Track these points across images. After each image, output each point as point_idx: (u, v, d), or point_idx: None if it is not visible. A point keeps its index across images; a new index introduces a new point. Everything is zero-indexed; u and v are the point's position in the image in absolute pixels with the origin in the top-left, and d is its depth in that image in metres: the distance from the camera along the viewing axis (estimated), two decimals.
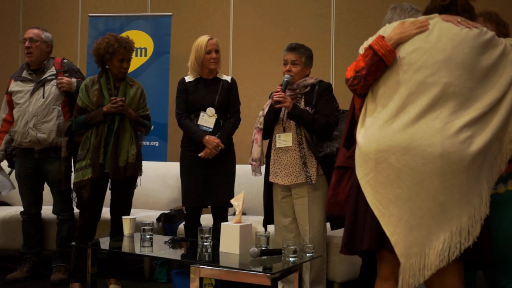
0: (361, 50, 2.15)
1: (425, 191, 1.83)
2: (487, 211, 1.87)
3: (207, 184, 3.47)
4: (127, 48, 3.52)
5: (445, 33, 1.97)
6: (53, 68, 3.87)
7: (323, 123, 3.08)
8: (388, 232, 1.86)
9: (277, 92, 3.13)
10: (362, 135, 2.02)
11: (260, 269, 2.44)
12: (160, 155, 4.83)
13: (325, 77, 4.67)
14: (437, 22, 2.02)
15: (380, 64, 1.99)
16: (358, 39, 4.76)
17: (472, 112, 1.89)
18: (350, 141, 2.46)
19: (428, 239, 1.81)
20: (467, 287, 2.11)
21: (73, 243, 3.42)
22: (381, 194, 1.89)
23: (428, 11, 2.16)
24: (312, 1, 4.99)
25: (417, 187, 1.83)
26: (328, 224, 3.19)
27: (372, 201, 1.91)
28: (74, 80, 3.77)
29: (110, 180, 3.54)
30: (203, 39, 3.55)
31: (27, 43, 3.79)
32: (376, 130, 1.95)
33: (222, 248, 2.78)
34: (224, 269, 2.50)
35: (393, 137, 1.89)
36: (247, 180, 4.14)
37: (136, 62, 4.91)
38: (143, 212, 4.23)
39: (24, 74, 3.86)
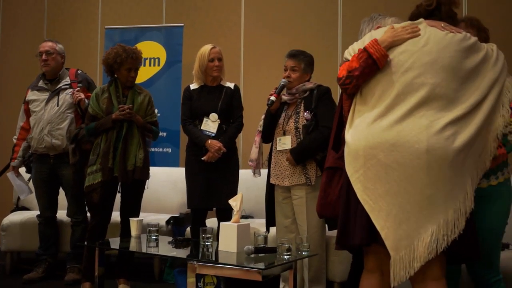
0: (347, 55, 2.23)
1: (413, 186, 1.90)
2: (472, 205, 1.94)
3: (211, 187, 3.59)
4: (134, 58, 3.68)
5: (431, 37, 2.05)
6: (68, 78, 4.07)
7: (322, 140, 3.11)
8: (378, 226, 1.93)
9: (271, 94, 3.23)
10: (350, 133, 2.09)
11: (251, 265, 2.52)
12: (172, 161, 4.96)
13: (333, 84, 4.73)
14: (424, 27, 2.10)
15: (373, 67, 2.07)
16: None
17: (457, 111, 1.96)
18: (338, 143, 2.53)
19: (417, 232, 1.88)
20: (450, 281, 2.16)
21: (84, 244, 3.57)
22: (371, 190, 1.96)
23: (413, 16, 2.24)
24: (319, 9, 5.09)
25: (405, 182, 1.90)
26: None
27: (362, 196, 1.98)
28: (86, 101, 3.93)
29: (119, 183, 3.69)
30: (206, 48, 3.69)
31: (44, 56, 4.00)
32: (365, 128, 2.02)
33: (221, 247, 2.87)
34: (218, 265, 2.59)
35: (381, 135, 1.97)
36: (253, 184, 4.23)
37: (149, 71, 5.10)
38: (154, 215, 4.37)
39: (40, 83, 4.07)
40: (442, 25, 2.10)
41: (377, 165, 1.96)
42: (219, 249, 2.88)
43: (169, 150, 5.04)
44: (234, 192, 3.63)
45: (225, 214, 3.64)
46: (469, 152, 1.96)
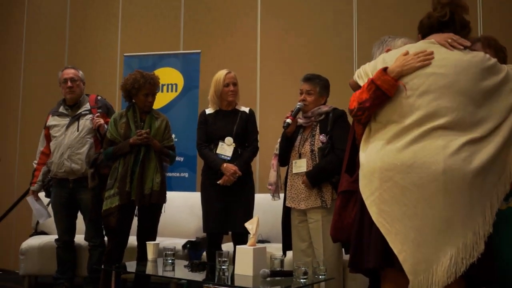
0: (356, 77, 2.25)
1: (431, 208, 1.87)
2: (490, 229, 1.90)
3: (227, 210, 3.60)
4: (152, 83, 3.75)
5: (448, 59, 2.03)
6: (88, 104, 4.16)
7: (338, 163, 3.06)
8: (395, 250, 1.90)
9: (287, 117, 3.26)
10: (365, 155, 2.08)
11: None
12: (189, 186, 4.99)
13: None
14: (438, 47, 2.09)
15: (383, 97, 2.07)
16: None
17: (474, 133, 1.94)
18: (352, 167, 2.53)
19: (436, 255, 1.84)
20: None
21: (99, 267, 3.58)
22: (387, 213, 1.93)
23: (424, 27, 2.21)
24: (335, 34, 5.14)
25: (423, 204, 1.88)
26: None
27: (378, 219, 1.95)
28: (106, 126, 3.99)
29: (136, 207, 3.72)
30: (221, 73, 3.76)
31: (69, 83, 4.10)
32: (379, 150, 2.01)
33: (237, 270, 2.87)
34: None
35: (396, 156, 1.95)
36: (270, 209, 4.22)
37: (167, 97, 5.17)
38: (171, 240, 4.37)
39: (61, 109, 4.16)
40: (449, 40, 2.08)
41: (394, 187, 1.93)
42: (235, 272, 2.87)
43: (186, 174, 5.08)
44: (249, 216, 3.62)
45: (241, 238, 3.62)
46: (488, 174, 1.93)
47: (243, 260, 2.85)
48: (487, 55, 2.06)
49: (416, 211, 1.88)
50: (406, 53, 2.10)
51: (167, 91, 5.19)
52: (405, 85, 2.05)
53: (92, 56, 6.24)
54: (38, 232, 4.77)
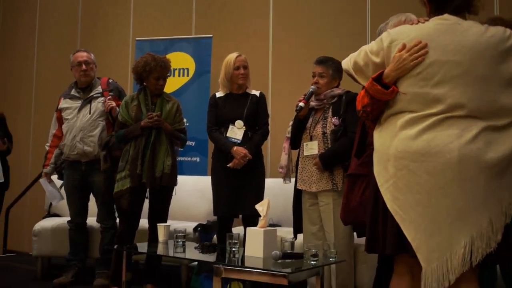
0: (345, 65, 2.22)
1: (445, 197, 1.84)
2: (508, 219, 1.85)
3: (237, 194, 3.60)
4: (163, 66, 3.74)
5: (463, 43, 1.92)
6: (99, 87, 4.17)
7: (351, 146, 3.05)
8: (409, 238, 1.88)
9: (300, 100, 3.24)
10: (379, 140, 2.04)
11: (279, 269, 2.51)
12: (200, 170, 5.00)
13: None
14: (452, 27, 1.97)
15: (381, 102, 2.03)
16: None
17: (492, 122, 1.88)
18: (361, 151, 2.52)
19: (449, 243, 1.82)
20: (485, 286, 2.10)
21: (110, 247, 3.62)
22: (401, 201, 1.90)
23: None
24: (348, 20, 5.09)
25: (437, 193, 1.85)
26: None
27: (392, 207, 1.93)
28: (117, 109, 3.99)
29: (148, 189, 3.74)
30: (231, 56, 3.74)
31: (83, 67, 4.11)
32: (393, 136, 1.97)
33: (248, 252, 2.87)
34: (244, 269, 2.59)
35: (410, 144, 1.91)
36: (280, 193, 4.23)
37: (178, 81, 5.17)
38: (182, 223, 4.40)
39: (73, 92, 4.17)
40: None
41: (408, 175, 1.90)
42: (245, 254, 2.88)
43: (198, 159, 5.09)
44: (260, 199, 3.60)
45: (251, 221, 3.62)
46: (510, 166, 1.87)
47: (254, 242, 2.85)
48: (508, 32, 1.94)
49: (430, 199, 1.85)
50: (403, 48, 1.99)
51: (179, 75, 5.19)
52: (417, 74, 1.96)
53: (105, 41, 6.26)
54: (51, 214, 4.82)
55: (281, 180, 4.32)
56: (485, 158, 1.83)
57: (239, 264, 2.72)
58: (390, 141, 1.97)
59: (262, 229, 2.86)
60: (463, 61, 1.90)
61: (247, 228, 2.96)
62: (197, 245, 3.38)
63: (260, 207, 2.96)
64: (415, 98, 1.95)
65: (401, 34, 2.03)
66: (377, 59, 2.07)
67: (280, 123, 4.60)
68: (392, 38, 2.04)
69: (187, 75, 5.22)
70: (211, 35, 5.27)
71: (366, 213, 2.12)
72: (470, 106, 1.87)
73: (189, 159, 5.08)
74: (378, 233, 2.00)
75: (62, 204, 4.46)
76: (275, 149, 4.84)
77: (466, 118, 1.88)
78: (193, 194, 4.71)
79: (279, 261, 2.66)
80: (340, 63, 3.40)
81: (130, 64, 6.09)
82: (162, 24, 5.94)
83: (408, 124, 1.94)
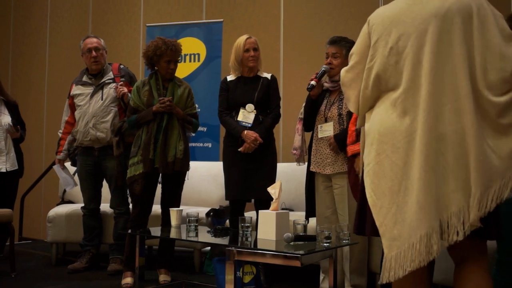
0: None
1: (412, 186, 1.83)
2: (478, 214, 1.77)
3: (249, 178, 3.58)
4: (174, 50, 3.71)
5: (428, 10, 1.92)
6: (111, 73, 4.16)
7: None
8: (377, 222, 1.90)
9: (311, 79, 3.20)
10: (368, 124, 2.04)
11: (292, 251, 2.49)
12: (212, 156, 4.99)
13: None
14: None
15: None
16: None
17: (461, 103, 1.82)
18: None
19: (408, 234, 1.81)
20: None
21: (125, 232, 3.63)
22: (376, 185, 1.92)
23: None
24: (360, 1, 5.02)
25: (406, 182, 1.84)
26: None
27: (368, 190, 1.95)
28: (129, 95, 3.97)
29: (160, 175, 3.73)
30: (241, 39, 3.71)
31: (93, 53, 4.09)
32: (378, 121, 1.97)
33: (260, 235, 2.86)
34: (256, 251, 2.58)
35: (392, 129, 1.90)
36: (293, 177, 4.23)
37: (189, 67, 5.15)
38: (194, 208, 4.40)
39: (84, 78, 4.17)
40: None
41: (385, 160, 1.90)
42: (258, 237, 2.86)
43: (210, 145, 5.08)
44: (271, 183, 3.57)
45: (263, 205, 3.60)
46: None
47: (266, 225, 2.83)
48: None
49: (400, 188, 1.85)
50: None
51: (190, 61, 5.17)
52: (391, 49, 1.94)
53: (116, 28, 6.26)
54: (65, 201, 4.85)
55: (293, 164, 4.29)
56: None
57: (252, 246, 2.69)
58: (375, 124, 1.98)
59: (275, 211, 2.84)
60: (428, 28, 1.88)
61: (260, 211, 2.94)
62: (209, 229, 3.38)
63: (272, 190, 2.93)
64: (393, 75, 1.94)
65: (377, 16, 2.04)
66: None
67: (291, 108, 4.56)
68: (371, 22, 2.05)
69: (198, 61, 5.19)
70: (221, 20, 5.23)
71: (357, 195, 2.17)
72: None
73: (201, 145, 5.07)
74: (363, 217, 2.02)
75: (76, 191, 4.48)
76: (287, 132, 4.81)
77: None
78: (206, 179, 4.71)
79: (292, 243, 2.64)
80: (354, 43, 3.35)
81: (141, 51, 6.09)
82: (172, 10, 5.92)
83: (390, 107, 1.94)
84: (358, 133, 2.57)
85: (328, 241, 2.63)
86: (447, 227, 1.79)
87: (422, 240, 1.78)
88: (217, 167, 4.82)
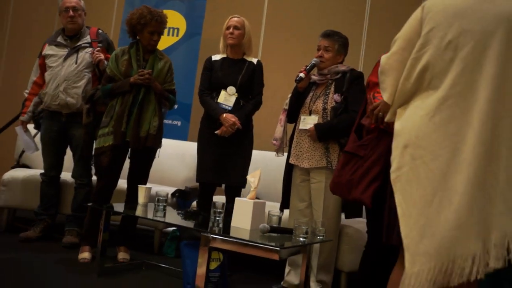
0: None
1: (449, 201, 1.69)
2: None
3: (222, 162, 3.49)
4: (159, 21, 3.56)
5: (500, 12, 1.80)
6: (88, 36, 3.95)
7: (351, 124, 2.84)
8: (402, 233, 1.76)
9: (301, 71, 3.14)
10: (401, 123, 1.88)
11: (271, 243, 2.43)
12: (181, 135, 4.87)
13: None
14: None
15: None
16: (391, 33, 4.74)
17: None
18: (361, 129, 2.49)
19: (437, 252, 1.67)
20: None
21: (89, 204, 3.47)
22: (407, 193, 1.78)
23: None
24: None
25: (442, 194, 1.71)
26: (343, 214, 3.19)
27: (398, 197, 1.81)
28: (106, 62, 3.79)
29: (129, 149, 3.59)
30: (228, 18, 3.62)
31: (71, 13, 3.86)
32: (417, 122, 1.82)
33: (234, 222, 2.79)
34: (235, 240, 2.51)
35: (433, 134, 1.76)
36: (264, 166, 4.15)
37: (167, 41, 4.98)
38: (158, 187, 4.27)
39: (59, 39, 3.93)
40: None
41: (421, 167, 1.76)
42: (232, 224, 2.79)
43: (179, 123, 4.95)
44: (245, 170, 3.54)
45: (234, 192, 3.55)
46: None
47: (242, 213, 2.77)
48: None
49: (434, 199, 1.71)
50: None
51: (168, 34, 4.99)
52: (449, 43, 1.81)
53: None
54: (20, 164, 4.60)
55: (264, 152, 4.27)
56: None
57: (228, 235, 2.62)
58: (412, 124, 1.83)
59: (252, 200, 2.78)
60: (496, 31, 1.75)
61: (236, 198, 2.87)
62: (180, 211, 3.28)
63: (252, 178, 2.87)
64: (443, 72, 1.79)
65: (436, 3, 1.87)
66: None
67: (267, 96, 4.48)
68: (427, 8, 1.89)
69: (177, 35, 5.03)
70: None
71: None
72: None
73: (170, 122, 4.93)
74: (394, 224, 1.87)
75: (34, 155, 4.26)
76: (262, 122, 4.74)
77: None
78: (172, 158, 4.58)
79: (266, 234, 2.59)
80: (347, 39, 3.32)
81: (115, 19, 5.85)
82: None
83: (433, 109, 1.78)
84: (367, 129, 2.48)
85: (305, 236, 2.60)
86: (487, 252, 1.63)
87: (455, 261, 1.63)
88: (185, 146, 4.72)
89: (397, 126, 1.89)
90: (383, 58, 2.00)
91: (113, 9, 5.87)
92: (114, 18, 5.82)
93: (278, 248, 2.37)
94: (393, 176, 1.85)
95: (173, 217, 3.14)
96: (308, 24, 5.07)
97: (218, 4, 5.29)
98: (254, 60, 3.68)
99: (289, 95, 3.35)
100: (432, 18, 1.85)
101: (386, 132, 2.26)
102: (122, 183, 3.72)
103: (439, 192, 1.71)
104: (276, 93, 4.82)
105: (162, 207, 3.14)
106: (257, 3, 5.27)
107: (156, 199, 3.14)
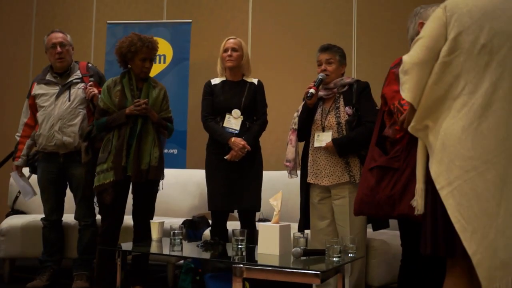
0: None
1: None
2: None
3: (233, 188, 3.39)
4: (150, 47, 3.45)
5: None
6: (78, 71, 3.81)
7: (369, 135, 2.78)
8: (470, 250, 1.69)
9: (310, 87, 3.06)
10: (439, 138, 1.80)
11: (310, 268, 2.33)
12: (179, 163, 4.75)
13: None
14: None
15: None
16: (380, 46, 4.74)
17: None
18: (382, 141, 2.43)
19: None
20: None
21: (99, 248, 3.32)
22: (465, 208, 1.70)
23: None
24: (332, 8, 4.97)
25: (507, 203, 1.65)
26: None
27: (454, 214, 1.72)
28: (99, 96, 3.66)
29: (131, 184, 3.44)
30: (224, 40, 3.55)
31: (58, 49, 3.71)
32: (460, 132, 1.74)
33: (261, 249, 2.68)
34: (270, 268, 2.40)
35: (483, 143, 1.70)
36: (271, 186, 4.06)
37: (155, 68, 4.84)
38: (165, 219, 4.11)
39: (48, 77, 3.78)
40: None
41: (476, 179, 1.69)
42: (259, 251, 2.68)
43: (175, 151, 4.82)
44: (257, 194, 3.45)
45: (248, 216, 3.45)
46: None
47: (268, 239, 2.66)
48: None
49: (499, 209, 1.65)
50: None
51: (155, 62, 4.85)
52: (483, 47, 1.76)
53: (64, 26, 5.78)
54: (15, 211, 4.38)
55: (273, 172, 4.17)
56: None
57: (258, 262, 2.50)
58: (455, 138, 1.75)
59: (278, 224, 2.68)
60: None
61: (261, 224, 2.76)
62: (193, 244, 3.15)
63: (274, 201, 2.77)
64: (477, 77, 1.73)
65: (460, 5, 1.81)
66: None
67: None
68: (449, 10, 1.82)
69: (164, 62, 4.93)
70: (190, 20, 4.99)
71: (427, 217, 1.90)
72: None
73: (166, 151, 4.78)
74: (438, 235, 1.80)
75: (29, 200, 4.06)
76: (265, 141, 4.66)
77: None
78: (174, 188, 4.44)
79: (302, 258, 2.49)
80: (343, 50, 3.27)
81: (93, 51, 5.71)
82: (130, 8, 5.58)
83: (477, 117, 1.71)
84: (391, 140, 2.41)
85: (339, 255, 2.50)
86: None
87: None
88: (186, 174, 4.60)
89: (432, 140, 1.82)
90: (405, 57, 1.92)
91: (90, 42, 5.72)
92: (92, 53, 5.68)
93: (318, 272, 2.27)
94: (443, 192, 1.76)
95: (192, 250, 3.01)
96: (296, 39, 5.03)
97: (203, 26, 5.22)
98: (255, 81, 3.60)
99: (295, 115, 3.26)
100: (457, 20, 1.79)
101: (414, 141, 2.19)
102: (127, 219, 3.56)
103: (503, 202, 1.65)
104: (269, 112, 4.76)
105: (178, 241, 3.00)
106: (241, 23, 5.22)
107: (171, 233, 3.00)
